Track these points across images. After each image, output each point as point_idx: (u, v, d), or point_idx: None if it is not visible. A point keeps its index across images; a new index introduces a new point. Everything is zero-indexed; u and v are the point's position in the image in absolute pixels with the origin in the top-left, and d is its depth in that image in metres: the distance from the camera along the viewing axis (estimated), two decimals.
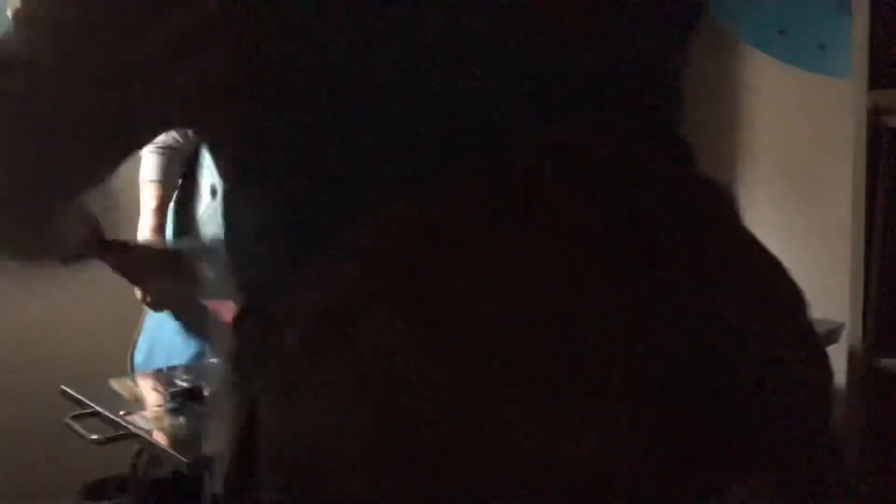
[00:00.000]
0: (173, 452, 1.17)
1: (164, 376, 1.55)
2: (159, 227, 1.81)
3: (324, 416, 0.52)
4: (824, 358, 0.62)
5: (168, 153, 1.81)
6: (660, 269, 0.51)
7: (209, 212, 1.80)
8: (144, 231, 1.80)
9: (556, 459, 0.47)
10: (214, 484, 1.55)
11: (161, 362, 1.82)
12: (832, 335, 1.95)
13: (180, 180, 1.87)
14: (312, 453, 0.52)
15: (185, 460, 1.14)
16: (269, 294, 0.61)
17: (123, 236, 0.74)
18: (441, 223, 0.53)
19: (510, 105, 0.56)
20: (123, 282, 1.80)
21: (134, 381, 1.57)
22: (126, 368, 1.89)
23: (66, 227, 0.81)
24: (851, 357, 1.79)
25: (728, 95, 2.56)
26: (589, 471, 0.47)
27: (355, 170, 0.56)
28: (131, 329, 1.91)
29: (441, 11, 0.55)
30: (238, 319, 0.65)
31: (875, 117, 1.73)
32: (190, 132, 0.64)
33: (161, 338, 1.85)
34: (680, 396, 0.49)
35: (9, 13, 2.17)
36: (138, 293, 1.80)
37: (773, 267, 0.63)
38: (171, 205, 1.87)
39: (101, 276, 0.72)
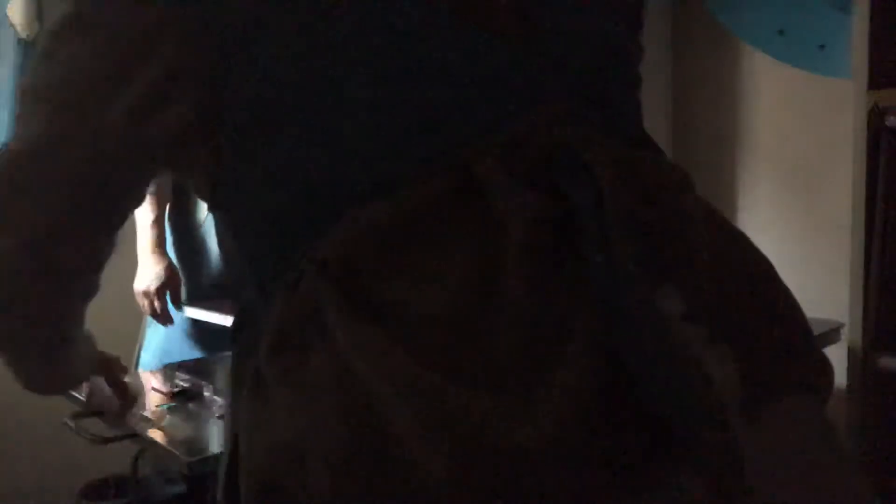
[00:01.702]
0: (173, 452, 1.17)
1: (164, 376, 1.55)
2: (159, 240, 1.81)
3: (291, 427, 0.52)
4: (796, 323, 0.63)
5: None
6: (611, 257, 0.51)
7: (210, 218, 1.81)
8: (144, 245, 1.80)
9: (514, 443, 0.47)
10: (216, 487, 1.55)
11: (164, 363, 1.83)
12: (832, 335, 1.95)
13: (172, 190, 1.87)
14: (283, 464, 0.52)
15: (185, 460, 1.14)
16: (251, 308, 0.63)
17: (121, 253, 0.76)
18: (390, 226, 0.54)
19: (460, 109, 0.57)
20: (125, 282, 1.81)
21: (134, 380, 1.57)
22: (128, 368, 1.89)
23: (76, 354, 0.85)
24: (851, 357, 1.79)
25: (728, 95, 2.56)
26: (543, 451, 0.47)
27: (316, 186, 0.57)
28: (133, 329, 1.91)
29: (388, 27, 0.56)
30: (234, 333, 0.66)
31: (875, 117, 1.73)
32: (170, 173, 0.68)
33: (167, 340, 1.86)
34: (623, 386, 0.49)
35: (8, 12, 2.18)
36: (143, 304, 1.81)
37: (744, 242, 0.63)
38: (167, 215, 1.87)
39: (102, 277, 0.72)
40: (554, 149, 0.55)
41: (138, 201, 0.68)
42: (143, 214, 1.81)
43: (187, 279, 1.89)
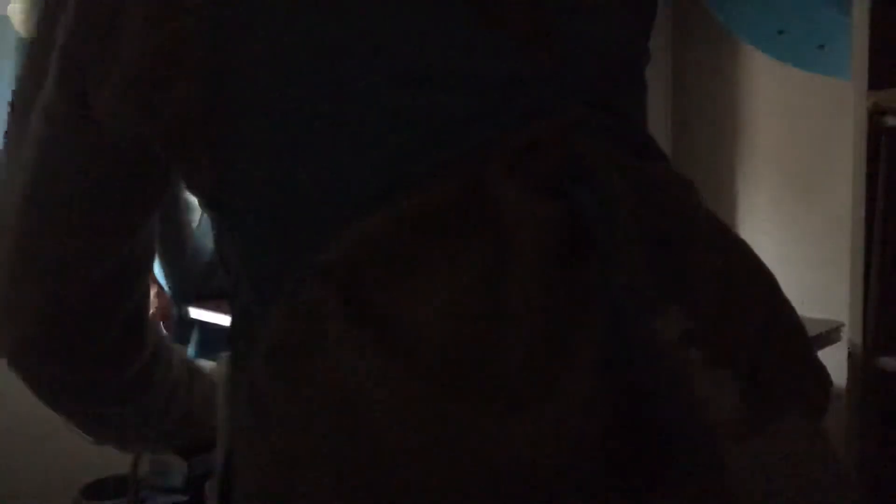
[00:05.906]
0: (173, 452, 1.17)
1: None
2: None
3: (291, 444, 0.50)
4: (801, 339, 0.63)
5: None
6: (615, 270, 0.50)
7: (203, 224, 1.79)
8: None
9: (520, 460, 0.46)
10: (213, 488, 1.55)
11: None
12: (832, 335, 1.95)
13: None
14: (278, 477, 0.50)
15: (185, 460, 1.14)
16: (247, 314, 0.60)
17: None
18: (396, 233, 0.52)
19: (471, 114, 0.55)
20: None
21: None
22: None
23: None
24: (851, 357, 1.79)
25: (728, 95, 2.56)
26: (554, 469, 0.46)
27: (321, 190, 0.55)
28: None
29: (400, 27, 0.55)
30: (230, 340, 0.64)
31: (875, 117, 1.73)
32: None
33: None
34: (627, 399, 0.48)
35: (9, 12, 2.18)
36: None
37: (744, 252, 0.62)
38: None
39: None
40: (565, 157, 0.54)
41: (153, 201, 0.67)
42: None
43: (178, 284, 1.88)
